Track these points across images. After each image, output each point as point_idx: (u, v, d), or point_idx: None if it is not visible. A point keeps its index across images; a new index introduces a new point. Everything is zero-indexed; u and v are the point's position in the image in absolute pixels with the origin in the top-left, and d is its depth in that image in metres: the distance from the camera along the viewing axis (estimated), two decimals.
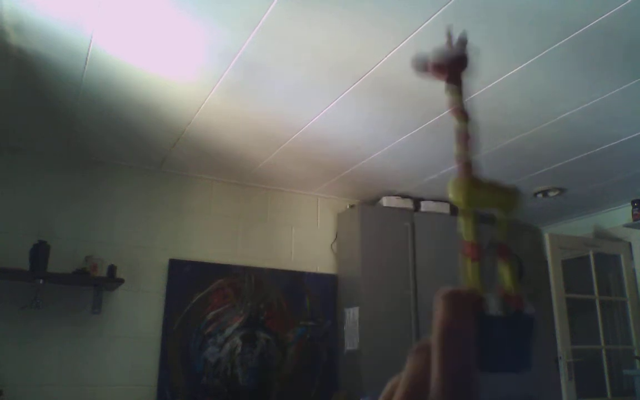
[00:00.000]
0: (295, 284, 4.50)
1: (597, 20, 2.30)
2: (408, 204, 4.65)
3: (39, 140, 3.76)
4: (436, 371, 0.31)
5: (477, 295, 0.34)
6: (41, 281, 3.52)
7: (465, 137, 0.37)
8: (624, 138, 3.45)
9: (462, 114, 0.37)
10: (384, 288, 4.35)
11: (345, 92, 3.00)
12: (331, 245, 4.76)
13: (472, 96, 2.96)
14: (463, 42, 0.37)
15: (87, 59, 2.74)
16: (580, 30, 2.37)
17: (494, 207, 0.37)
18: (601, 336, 4.69)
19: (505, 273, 0.36)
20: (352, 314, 4.34)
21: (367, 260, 4.36)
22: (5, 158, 3.80)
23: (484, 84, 2.82)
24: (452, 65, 0.37)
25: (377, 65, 2.71)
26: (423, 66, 0.38)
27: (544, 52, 2.53)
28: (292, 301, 4.46)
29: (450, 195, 0.36)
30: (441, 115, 3.21)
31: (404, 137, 3.54)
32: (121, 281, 3.72)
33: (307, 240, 4.69)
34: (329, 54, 2.64)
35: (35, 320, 3.62)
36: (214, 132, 3.56)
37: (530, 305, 0.35)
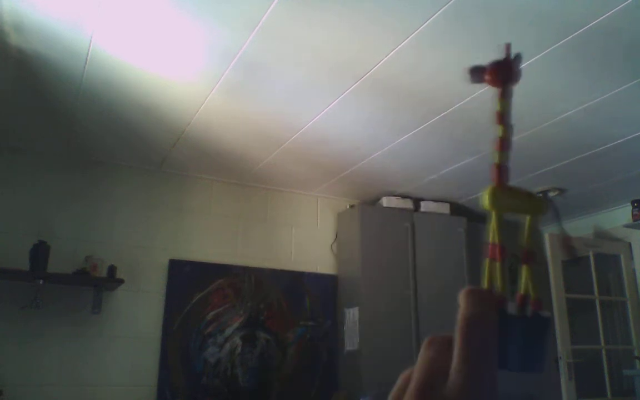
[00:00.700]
0: (295, 284, 4.50)
1: (597, 20, 2.30)
2: (408, 204, 4.65)
3: (39, 140, 3.76)
4: (457, 362, 0.32)
5: (498, 294, 0.36)
6: (41, 281, 3.52)
7: (506, 145, 0.39)
8: (624, 138, 3.45)
9: (507, 123, 0.40)
10: (384, 288, 4.35)
11: (345, 92, 3.00)
12: (331, 245, 4.76)
13: (472, 97, 2.96)
14: (519, 59, 0.40)
15: (87, 59, 2.74)
16: (580, 30, 2.37)
17: (521, 213, 0.39)
18: (601, 336, 4.69)
19: (526, 276, 0.38)
20: (352, 314, 4.34)
21: (367, 260, 4.36)
22: (5, 158, 3.80)
23: (484, 84, 2.81)
24: (506, 78, 0.40)
25: (377, 65, 2.71)
26: (479, 74, 0.41)
27: (544, 52, 2.53)
28: (292, 301, 4.46)
29: (483, 199, 0.38)
30: (441, 115, 3.21)
31: (404, 137, 3.54)
32: (121, 281, 3.72)
33: (307, 240, 4.69)
34: (329, 54, 2.64)
35: (35, 320, 3.62)
36: (214, 132, 3.56)
37: (545, 310, 0.37)
